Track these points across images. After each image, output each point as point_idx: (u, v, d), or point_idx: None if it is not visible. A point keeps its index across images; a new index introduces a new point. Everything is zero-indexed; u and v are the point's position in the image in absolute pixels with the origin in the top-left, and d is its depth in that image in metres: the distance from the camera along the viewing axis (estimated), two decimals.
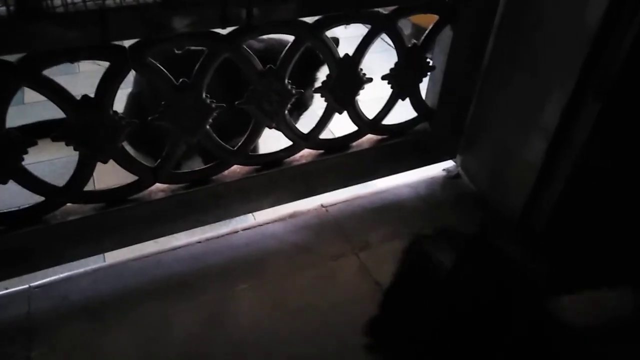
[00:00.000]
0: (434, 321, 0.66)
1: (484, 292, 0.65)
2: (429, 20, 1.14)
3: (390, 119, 1.23)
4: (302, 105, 1.46)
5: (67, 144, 0.91)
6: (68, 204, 1.00)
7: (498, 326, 0.64)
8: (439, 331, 0.65)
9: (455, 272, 0.65)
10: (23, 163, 0.90)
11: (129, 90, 1.62)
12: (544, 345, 0.65)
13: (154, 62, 0.91)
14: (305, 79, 1.08)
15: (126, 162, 0.99)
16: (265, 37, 1.29)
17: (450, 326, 0.65)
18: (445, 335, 0.65)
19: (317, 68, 1.40)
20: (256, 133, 1.08)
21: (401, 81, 1.16)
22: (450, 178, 1.39)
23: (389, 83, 1.15)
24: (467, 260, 0.66)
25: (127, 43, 0.88)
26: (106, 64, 0.89)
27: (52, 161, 1.62)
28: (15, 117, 0.99)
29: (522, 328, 0.65)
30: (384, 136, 1.25)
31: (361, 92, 1.13)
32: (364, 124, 1.20)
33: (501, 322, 0.64)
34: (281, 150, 1.15)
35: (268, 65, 1.01)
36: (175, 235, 1.13)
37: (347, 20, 1.03)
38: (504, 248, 0.69)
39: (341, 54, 1.07)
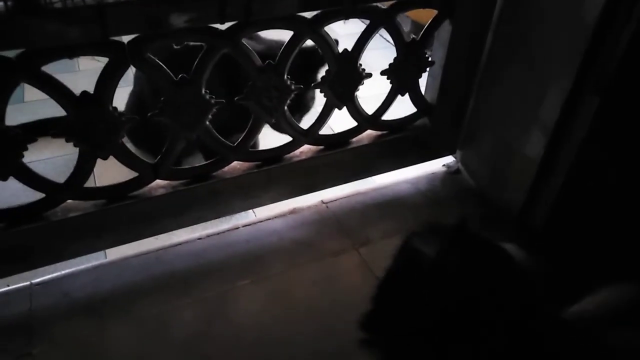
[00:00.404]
0: (423, 312, 0.67)
1: (470, 281, 0.65)
2: (427, 17, 1.14)
3: (389, 115, 1.23)
4: (303, 107, 1.46)
5: (67, 141, 0.91)
6: (69, 201, 1.00)
7: (488, 315, 0.65)
8: (429, 322, 0.66)
9: (437, 263, 0.66)
10: (25, 161, 0.91)
11: (129, 88, 1.62)
12: (538, 334, 0.65)
13: (152, 57, 0.91)
14: (305, 80, 1.08)
15: (126, 159, 1.00)
16: (265, 37, 1.29)
17: (440, 316, 0.65)
18: (436, 326, 0.65)
19: (317, 69, 1.40)
20: (256, 129, 1.08)
21: (400, 76, 1.16)
22: (450, 174, 1.39)
23: (388, 78, 1.15)
24: (448, 250, 0.66)
25: (125, 38, 0.89)
26: (106, 60, 0.89)
27: (54, 159, 1.62)
28: (16, 115, 0.99)
29: (513, 316, 0.65)
30: (384, 132, 1.25)
31: (361, 88, 1.13)
32: (364, 120, 1.20)
33: (492, 311, 0.65)
34: (281, 147, 1.15)
35: (267, 61, 1.01)
36: (175, 231, 1.13)
37: (345, 15, 1.03)
38: (491, 237, 0.70)
39: (340, 49, 1.07)
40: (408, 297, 0.71)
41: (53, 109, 0.92)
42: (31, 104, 1.73)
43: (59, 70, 0.87)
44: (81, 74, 2.09)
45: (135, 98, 1.59)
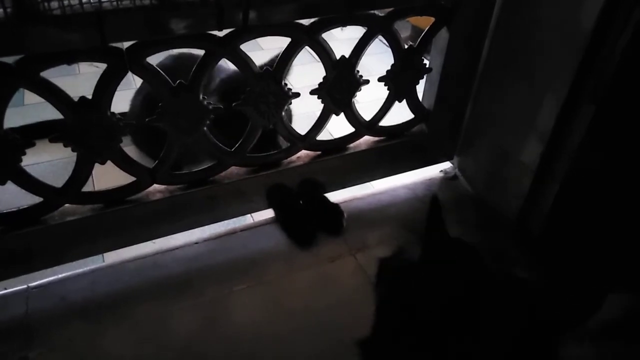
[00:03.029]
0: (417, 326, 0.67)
1: (449, 281, 0.66)
2: (427, 22, 1.14)
3: (387, 121, 1.23)
4: None
5: (65, 146, 0.92)
6: (66, 205, 1.01)
7: (471, 325, 0.65)
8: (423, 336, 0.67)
9: (422, 267, 0.67)
10: (23, 164, 0.91)
11: (129, 91, 1.62)
12: (530, 344, 0.65)
13: (151, 64, 0.92)
14: None
15: (124, 163, 1.00)
16: None
17: (430, 327, 0.66)
18: (429, 338, 0.66)
19: None
20: (253, 134, 1.09)
21: (398, 83, 1.16)
22: (447, 179, 1.39)
23: (385, 85, 1.16)
24: (430, 254, 0.67)
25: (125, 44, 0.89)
26: (104, 65, 0.89)
27: (52, 162, 1.62)
28: (16, 118, 1.00)
29: (498, 326, 0.65)
30: (381, 137, 1.26)
31: (359, 93, 1.13)
32: (361, 126, 1.20)
33: (475, 321, 0.65)
34: (279, 152, 1.16)
35: (265, 67, 1.02)
36: (173, 236, 1.14)
37: (343, 23, 1.03)
38: (468, 243, 0.70)
39: (338, 55, 1.08)
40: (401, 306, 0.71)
41: (53, 112, 0.92)
42: (31, 107, 1.73)
43: (59, 73, 0.87)
44: (81, 77, 2.09)
45: (149, 100, 1.57)
